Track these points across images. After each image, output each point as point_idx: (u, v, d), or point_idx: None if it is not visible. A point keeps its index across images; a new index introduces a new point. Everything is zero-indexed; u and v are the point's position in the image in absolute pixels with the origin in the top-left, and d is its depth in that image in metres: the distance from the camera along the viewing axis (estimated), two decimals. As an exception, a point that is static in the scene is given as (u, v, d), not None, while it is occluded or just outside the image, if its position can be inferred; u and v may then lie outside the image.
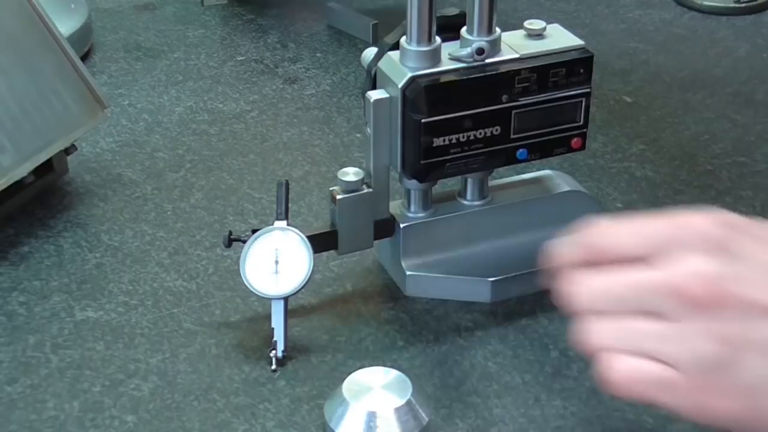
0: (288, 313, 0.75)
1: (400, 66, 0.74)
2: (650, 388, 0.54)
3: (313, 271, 0.75)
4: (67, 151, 0.93)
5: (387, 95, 0.75)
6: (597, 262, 0.57)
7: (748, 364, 0.52)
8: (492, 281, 0.80)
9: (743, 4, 1.25)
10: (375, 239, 0.81)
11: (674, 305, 0.53)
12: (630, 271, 0.56)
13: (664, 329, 0.54)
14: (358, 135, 1.02)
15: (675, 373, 0.53)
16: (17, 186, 0.88)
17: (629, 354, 0.54)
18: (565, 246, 0.59)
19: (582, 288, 0.57)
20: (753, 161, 0.97)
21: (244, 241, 0.76)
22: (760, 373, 0.53)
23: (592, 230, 0.58)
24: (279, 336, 0.74)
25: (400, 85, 0.74)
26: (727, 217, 0.57)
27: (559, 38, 0.78)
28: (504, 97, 0.75)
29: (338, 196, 0.77)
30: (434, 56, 0.74)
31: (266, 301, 0.76)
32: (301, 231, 0.76)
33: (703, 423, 0.54)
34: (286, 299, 0.75)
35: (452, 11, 0.77)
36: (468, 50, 0.74)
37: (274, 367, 0.74)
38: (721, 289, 0.53)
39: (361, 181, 0.78)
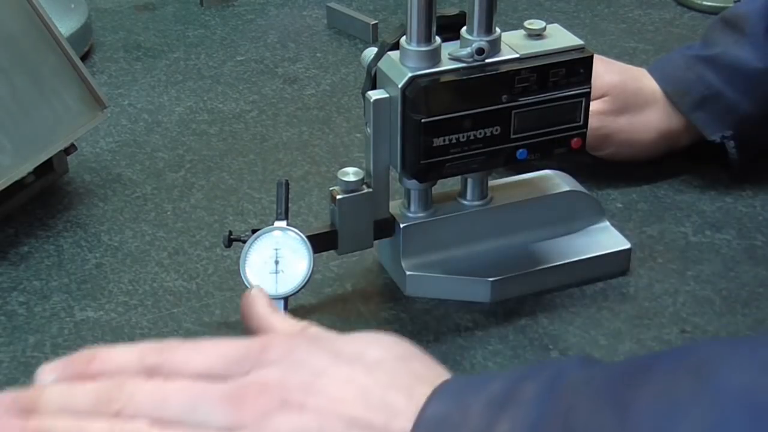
0: (288, 313, 0.75)
1: (400, 66, 0.74)
2: None
3: (313, 271, 0.75)
4: (67, 151, 0.93)
5: (387, 95, 0.75)
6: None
7: None
8: (492, 281, 0.80)
9: (743, 4, 1.25)
10: (375, 239, 0.81)
11: (229, 417, 0.52)
12: (190, 381, 0.53)
13: None
14: (358, 135, 1.02)
15: None
16: (17, 186, 0.88)
17: None
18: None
19: (132, 387, 0.53)
20: (753, 161, 0.97)
21: (244, 241, 0.76)
22: None
23: (170, 345, 0.56)
24: (279, 336, 0.74)
25: (400, 85, 0.74)
26: (312, 332, 0.57)
27: (559, 38, 0.78)
28: (504, 97, 0.75)
29: (338, 196, 0.77)
30: (434, 56, 0.74)
31: (266, 301, 0.76)
32: (301, 231, 0.76)
33: None
34: (286, 299, 0.75)
35: (452, 11, 0.77)
36: (468, 50, 0.74)
37: (274, 367, 0.74)
38: (283, 397, 0.52)
39: (361, 181, 0.78)
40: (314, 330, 0.60)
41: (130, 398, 0.53)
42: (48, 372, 0.55)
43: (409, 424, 0.51)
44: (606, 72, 0.92)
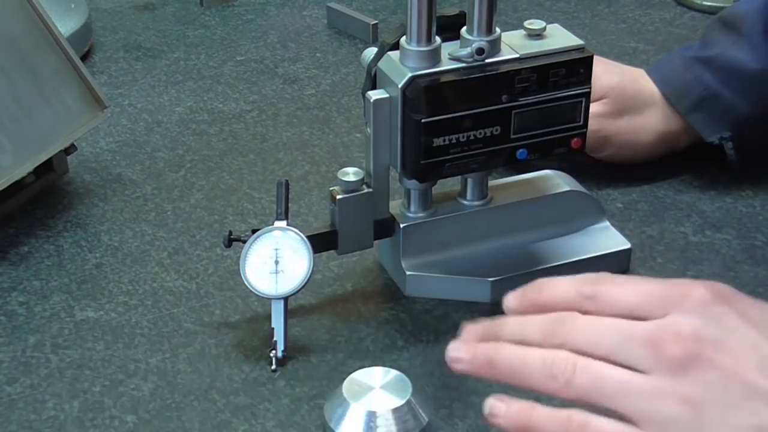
0: (288, 313, 0.75)
1: (400, 66, 0.74)
2: None
3: (313, 271, 0.75)
4: (67, 151, 0.93)
5: (387, 95, 0.75)
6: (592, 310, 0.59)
7: (707, 428, 0.53)
8: (492, 281, 0.80)
9: (743, 4, 1.25)
10: (375, 239, 0.81)
11: (649, 358, 0.55)
12: (618, 319, 0.57)
13: (633, 381, 0.55)
14: (358, 135, 1.02)
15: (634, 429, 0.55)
16: (17, 186, 0.88)
17: (595, 399, 0.56)
18: (567, 285, 0.60)
19: (571, 322, 0.58)
20: (752, 161, 0.97)
21: (244, 241, 0.76)
22: None
23: (603, 278, 0.59)
24: (279, 336, 0.74)
25: (400, 85, 0.74)
26: (725, 289, 0.58)
27: (559, 38, 0.78)
28: (504, 97, 0.75)
29: (338, 196, 0.77)
30: (434, 56, 0.74)
31: (266, 301, 0.76)
32: (301, 231, 0.76)
33: None
34: (286, 299, 0.75)
35: (452, 11, 0.77)
36: (468, 50, 0.74)
37: (274, 367, 0.74)
38: (697, 350, 0.54)
39: (361, 181, 0.78)
40: (725, 288, 0.61)
41: (569, 333, 0.57)
42: (511, 300, 0.60)
43: None
44: (605, 74, 0.92)
